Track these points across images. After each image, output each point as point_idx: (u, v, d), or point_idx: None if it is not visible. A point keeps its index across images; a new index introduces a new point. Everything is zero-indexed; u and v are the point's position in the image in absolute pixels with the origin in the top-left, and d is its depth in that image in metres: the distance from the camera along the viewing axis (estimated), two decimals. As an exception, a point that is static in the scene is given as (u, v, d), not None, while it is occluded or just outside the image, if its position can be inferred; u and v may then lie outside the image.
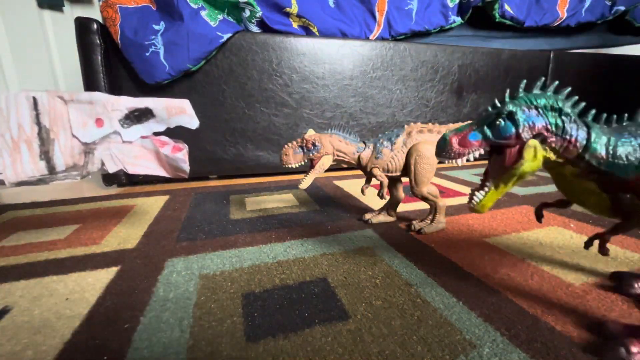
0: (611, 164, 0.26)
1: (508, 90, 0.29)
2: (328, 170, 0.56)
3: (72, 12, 1.22)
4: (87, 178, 0.37)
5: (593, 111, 0.27)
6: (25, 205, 0.76)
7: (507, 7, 1.10)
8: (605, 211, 0.28)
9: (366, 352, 0.28)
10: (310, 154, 0.53)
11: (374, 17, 1.04)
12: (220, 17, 0.87)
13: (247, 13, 0.90)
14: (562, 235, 0.52)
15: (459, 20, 1.10)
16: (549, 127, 0.26)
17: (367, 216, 0.59)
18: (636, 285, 0.35)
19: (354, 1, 1.03)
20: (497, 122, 0.27)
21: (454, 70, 1.11)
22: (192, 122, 0.45)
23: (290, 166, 0.53)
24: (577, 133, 0.26)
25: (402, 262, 0.44)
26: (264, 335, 0.30)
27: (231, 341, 0.30)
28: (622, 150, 0.25)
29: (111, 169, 0.43)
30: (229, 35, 0.86)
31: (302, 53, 0.95)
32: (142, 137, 0.44)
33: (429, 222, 0.54)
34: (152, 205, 0.73)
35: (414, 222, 0.54)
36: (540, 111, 0.27)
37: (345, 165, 0.57)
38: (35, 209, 0.72)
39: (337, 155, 0.54)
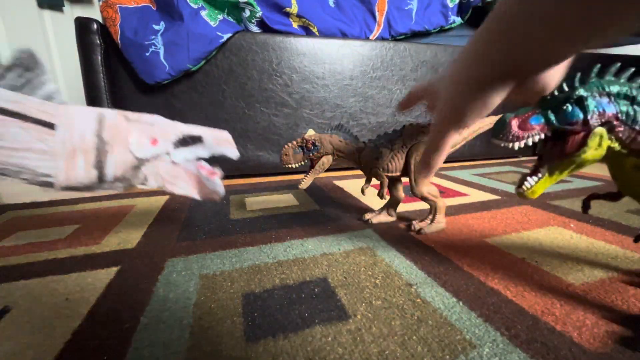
0: None
1: (579, 74, 0.27)
2: (328, 170, 0.56)
3: (72, 12, 1.22)
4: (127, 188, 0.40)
5: None
6: (25, 205, 0.76)
7: (507, 7, 1.10)
8: None
9: (366, 352, 0.28)
10: (310, 154, 0.53)
11: (374, 17, 1.04)
12: (220, 17, 0.87)
13: (247, 13, 0.90)
14: (562, 235, 0.52)
15: (459, 20, 1.10)
16: (619, 115, 0.25)
17: (367, 216, 0.59)
18: None
19: (354, 1, 1.03)
20: (564, 107, 0.26)
21: (454, 70, 1.11)
22: (234, 153, 0.48)
23: (290, 166, 0.53)
24: None
25: (402, 262, 0.44)
26: (264, 335, 0.30)
27: (231, 341, 0.30)
28: None
29: (151, 185, 0.45)
30: (229, 35, 0.86)
31: (302, 53, 0.95)
32: (187, 160, 0.47)
33: (429, 222, 0.54)
34: (152, 205, 0.73)
35: (414, 222, 0.54)
36: (612, 98, 0.25)
37: (346, 165, 0.56)
38: (35, 209, 0.72)
39: (337, 155, 0.54)
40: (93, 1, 1.23)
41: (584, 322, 0.31)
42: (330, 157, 0.54)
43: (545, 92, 0.27)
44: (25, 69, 0.43)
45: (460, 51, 0.28)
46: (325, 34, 0.99)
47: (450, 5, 1.08)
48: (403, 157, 0.52)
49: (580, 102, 0.25)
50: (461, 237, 0.52)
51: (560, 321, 0.31)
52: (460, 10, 1.09)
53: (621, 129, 0.25)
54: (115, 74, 0.86)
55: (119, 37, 0.80)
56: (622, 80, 0.26)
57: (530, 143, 0.27)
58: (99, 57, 0.83)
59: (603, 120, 0.25)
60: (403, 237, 0.52)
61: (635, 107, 0.25)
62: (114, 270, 0.43)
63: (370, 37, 1.04)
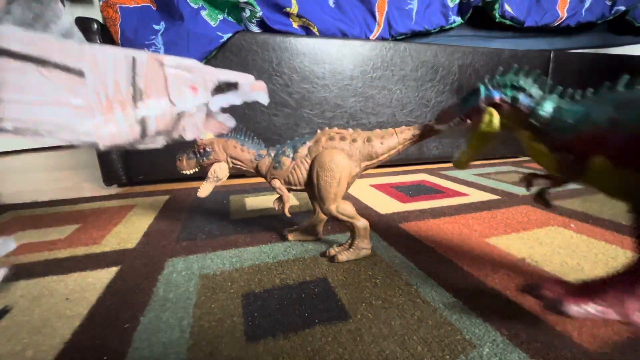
0: (551, 126, 0.30)
1: (487, 76, 0.36)
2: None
3: (72, 12, 1.22)
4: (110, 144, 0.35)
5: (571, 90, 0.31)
6: (25, 205, 0.76)
7: (507, 7, 1.10)
8: (555, 170, 0.32)
9: (366, 352, 0.28)
10: (202, 160, 0.48)
11: (374, 17, 1.03)
12: (221, 17, 0.87)
13: (247, 13, 0.90)
14: (562, 235, 0.52)
15: (459, 20, 1.10)
16: (504, 98, 0.33)
17: (286, 231, 0.53)
18: None
19: (354, 1, 1.03)
20: (468, 97, 0.36)
21: (454, 70, 1.11)
22: (265, 99, 0.47)
23: (185, 172, 0.49)
24: (526, 101, 0.32)
25: (402, 262, 0.44)
26: (264, 335, 0.30)
27: (231, 341, 0.30)
28: (563, 115, 0.30)
29: (188, 137, 0.43)
30: (229, 35, 0.86)
31: (302, 53, 0.95)
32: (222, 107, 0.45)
33: (347, 246, 0.46)
34: (152, 205, 0.73)
35: (330, 248, 0.46)
36: (501, 87, 0.34)
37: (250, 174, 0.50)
38: (35, 209, 0.72)
39: (232, 163, 0.48)
40: (93, 1, 1.23)
41: (584, 322, 0.31)
42: (223, 165, 0.48)
43: None
44: None
45: None
46: (325, 34, 0.99)
47: (451, 5, 1.08)
48: (306, 167, 0.44)
49: (477, 92, 0.35)
50: (461, 237, 0.52)
51: (560, 321, 0.31)
52: (461, 10, 1.09)
53: (505, 107, 0.33)
54: (115, 74, 0.86)
55: (119, 37, 0.80)
56: (511, 74, 0.34)
57: (452, 125, 0.39)
58: (99, 57, 0.83)
59: (491, 102, 0.34)
60: (403, 237, 0.52)
61: (519, 91, 0.33)
62: (114, 270, 0.43)
63: (371, 37, 1.04)
